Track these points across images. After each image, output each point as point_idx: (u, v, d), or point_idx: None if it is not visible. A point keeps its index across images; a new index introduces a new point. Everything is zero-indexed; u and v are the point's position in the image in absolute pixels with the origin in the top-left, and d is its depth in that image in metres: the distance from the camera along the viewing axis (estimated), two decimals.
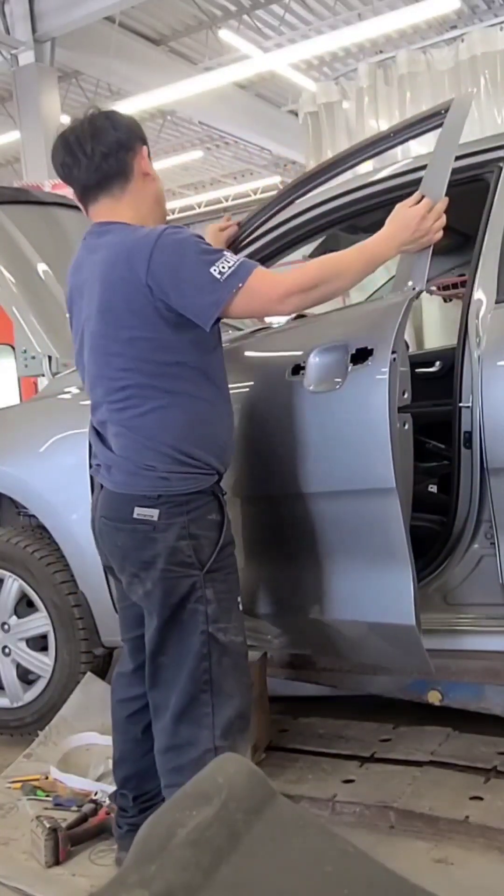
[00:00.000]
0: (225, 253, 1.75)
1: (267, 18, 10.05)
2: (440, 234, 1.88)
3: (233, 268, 1.70)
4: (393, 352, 1.89)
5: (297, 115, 8.21)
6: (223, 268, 1.69)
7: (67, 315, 1.99)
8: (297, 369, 2.07)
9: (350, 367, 1.95)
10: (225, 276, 1.68)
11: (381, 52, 9.02)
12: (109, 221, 1.84)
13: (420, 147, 2.15)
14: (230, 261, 1.71)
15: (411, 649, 1.95)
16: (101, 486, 1.85)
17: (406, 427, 1.99)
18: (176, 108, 11.57)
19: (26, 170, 9.28)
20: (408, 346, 4.19)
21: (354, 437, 1.95)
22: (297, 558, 2.18)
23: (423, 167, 2.30)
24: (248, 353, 2.40)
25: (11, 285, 3.13)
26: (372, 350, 1.92)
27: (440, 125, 2.07)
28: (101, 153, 1.81)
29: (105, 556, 1.89)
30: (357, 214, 2.51)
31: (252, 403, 2.20)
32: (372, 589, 2.01)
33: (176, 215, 18.60)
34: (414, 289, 1.93)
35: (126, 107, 10.21)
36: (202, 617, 1.74)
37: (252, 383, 2.23)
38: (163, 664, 1.78)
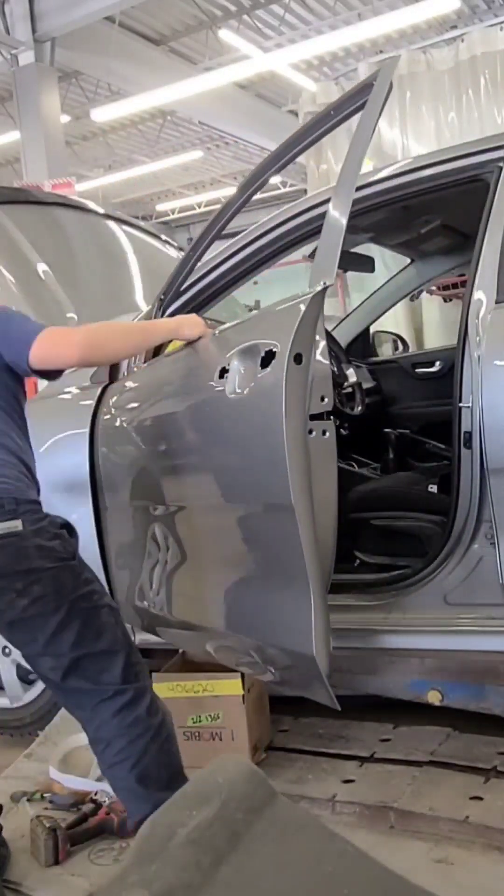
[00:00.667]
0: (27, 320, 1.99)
1: (267, 18, 10.05)
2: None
3: (33, 326, 1.93)
4: (297, 353, 1.74)
5: (297, 115, 8.22)
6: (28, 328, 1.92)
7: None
8: (223, 372, 1.97)
9: (258, 371, 1.82)
10: (26, 333, 1.91)
11: (381, 52, 9.03)
12: None
13: (420, 147, 2.15)
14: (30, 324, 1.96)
15: (311, 679, 1.84)
16: None
17: (326, 435, 1.83)
18: (176, 108, 11.57)
19: (26, 170, 9.29)
20: (406, 346, 4.22)
21: (254, 447, 1.85)
22: (204, 570, 2.18)
23: (423, 167, 2.31)
24: (189, 355, 2.25)
25: (11, 285, 3.14)
26: (275, 352, 1.79)
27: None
28: None
29: None
30: (357, 214, 2.51)
31: (182, 407, 2.17)
32: (272, 611, 1.93)
33: (176, 215, 18.61)
34: (324, 284, 1.82)
35: (126, 107, 10.24)
36: (97, 595, 1.92)
37: (183, 384, 2.19)
38: (78, 656, 1.87)
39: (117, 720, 1.89)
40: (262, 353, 1.82)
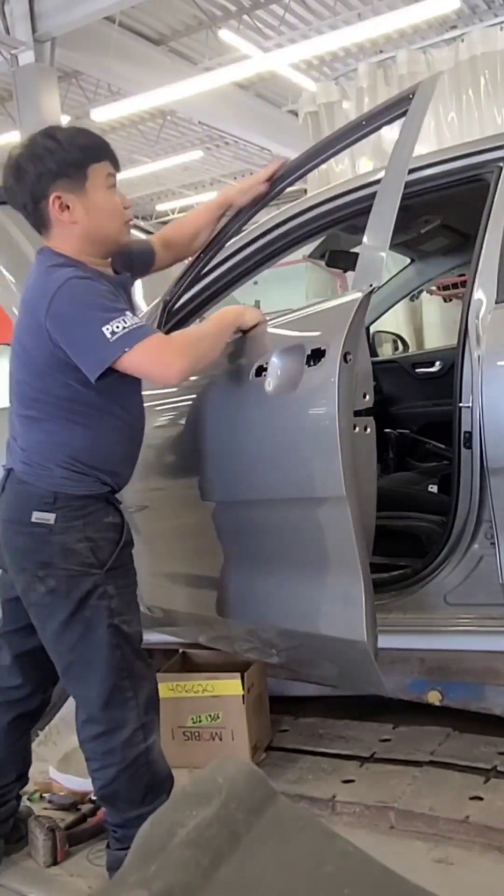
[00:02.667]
0: (126, 314, 1.76)
1: (267, 18, 10.05)
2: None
3: (127, 329, 1.73)
4: (346, 352, 1.82)
5: (297, 115, 8.21)
6: (116, 328, 1.72)
7: None
8: (261, 370, 2.01)
9: (305, 369, 1.89)
10: (116, 336, 1.72)
11: (381, 52, 9.02)
12: (46, 248, 1.91)
13: (420, 146, 2.14)
14: (126, 322, 1.74)
15: (363, 666, 1.88)
16: (3, 489, 1.93)
17: (367, 431, 1.91)
18: (176, 108, 11.57)
19: None
20: (407, 346, 4.22)
21: (306, 443, 1.89)
22: (255, 564, 2.17)
23: (423, 167, 2.31)
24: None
25: (11, 285, 3.13)
26: (325, 350, 1.85)
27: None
28: (17, 206, 1.89)
29: (1, 554, 1.96)
30: (357, 214, 2.51)
31: (218, 404, 2.17)
32: (325, 600, 1.95)
33: (176, 215, 18.62)
34: (371, 285, 1.88)
35: (126, 107, 10.24)
36: (106, 612, 1.84)
37: (219, 383, 2.18)
38: (72, 661, 1.87)
39: (94, 743, 1.89)
40: (308, 352, 1.87)
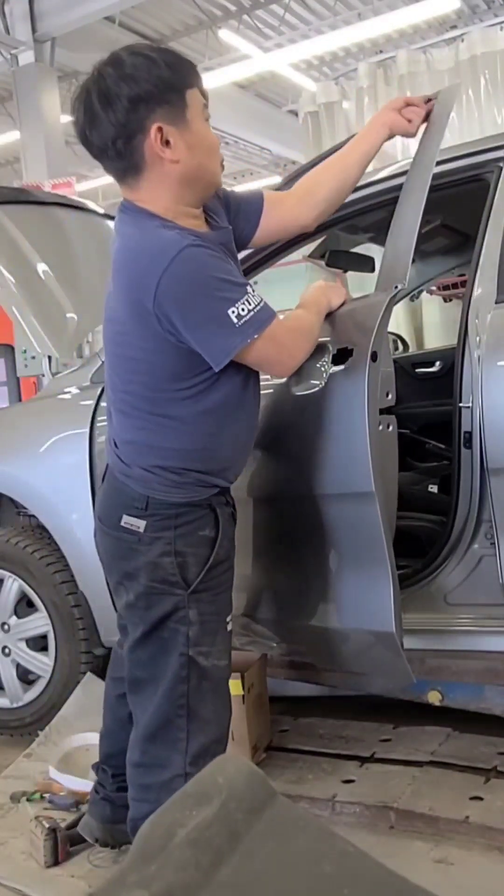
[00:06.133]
0: (248, 289, 1.56)
1: (267, 18, 10.05)
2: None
3: (253, 312, 1.53)
4: (373, 352, 1.84)
5: (297, 115, 8.21)
6: (242, 310, 1.52)
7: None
8: None
9: (331, 368, 1.92)
10: (243, 320, 1.52)
11: (381, 52, 9.03)
12: (127, 202, 1.62)
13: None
14: (251, 302, 1.54)
15: (391, 657, 1.91)
16: (103, 481, 1.79)
17: (390, 429, 1.95)
18: None
19: (26, 170, 9.28)
20: (407, 346, 4.22)
21: (333, 440, 1.91)
22: (281, 561, 2.17)
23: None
24: None
25: (11, 285, 3.13)
26: (352, 350, 1.88)
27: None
28: (95, 145, 1.57)
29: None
30: (357, 214, 2.51)
31: None
32: (352, 595, 1.98)
33: None
34: (396, 287, 1.89)
35: None
36: (183, 638, 1.64)
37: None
38: (140, 679, 1.70)
39: (134, 771, 1.71)
40: (334, 352, 1.89)
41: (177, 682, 1.64)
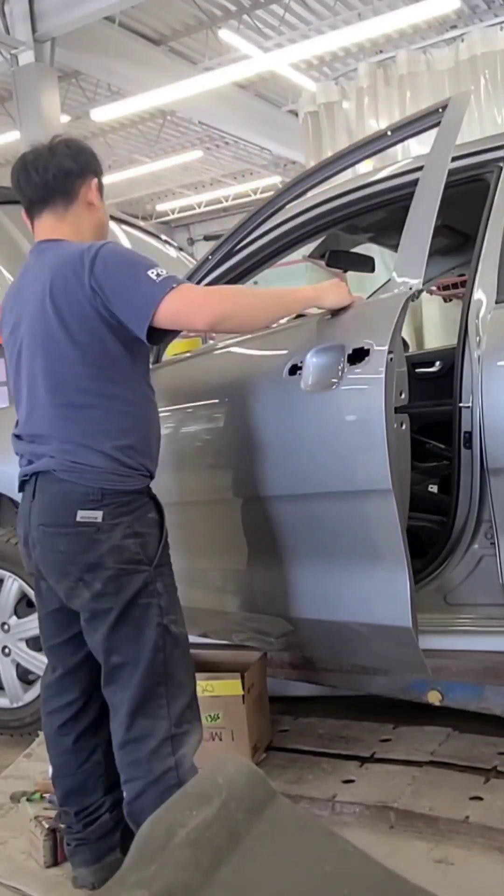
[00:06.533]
0: (158, 264, 1.82)
1: (267, 18, 10.05)
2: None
3: (167, 274, 1.77)
4: (389, 351, 1.87)
5: (297, 115, 8.21)
6: (160, 272, 1.76)
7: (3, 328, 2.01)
8: (294, 369, 2.06)
9: (346, 368, 1.94)
10: (161, 278, 1.75)
11: (381, 52, 9.02)
12: (51, 239, 1.93)
13: (420, 147, 2.14)
14: (163, 270, 1.79)
15: (407, 651, 1.94)
16: (33, 495, 1.83)
17: (403, 427, 1.97)
18: (176, 108, 11.56)
19: None
20: (407, 346, 4.22)
21: (350, 438, 1.94)
22: (296, 558, 2.17)
23: (423, 167, 2.31)
24: (244, 353, 2.39)
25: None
26: (368, 350, 1.91)
27: (437, 124, 2.08)
28: (52, 174, 1.94)
29: (37, 563, 1.87)
30: (357, 214, 2.51)
31: (249, 403, 2.19)
32: (368, 590, 2.00)
33: (176, 215, 18.61)
34: (410, 288, 1.94)
35: (126, 107, 10.23)
36: (156, 610, 1.79)
37: (249, 383, 2.22)
38: (118, 664, 1.79)
39: (121, 753, 1.79)
40: (350, 352, 1.92)
41: (156, 653, 1.78)
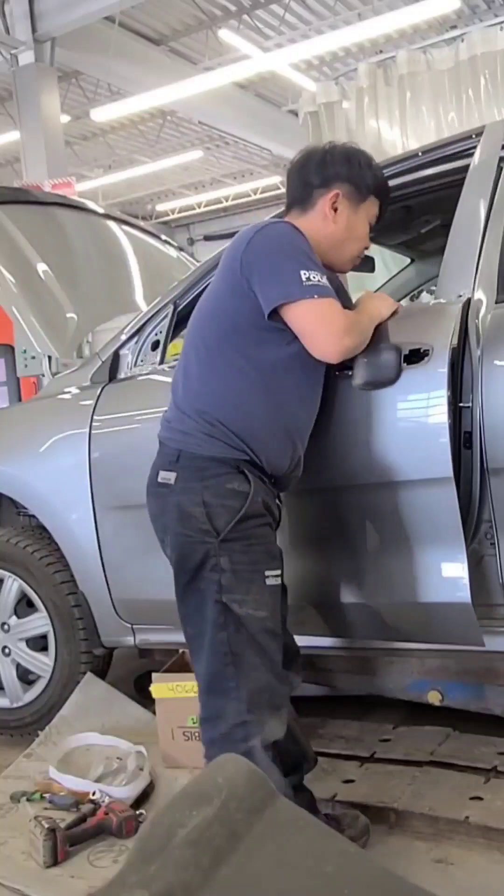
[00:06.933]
0: (323, 271, 1.80)
1: (267, 18, 10.05)
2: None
3: (320, 283, 1.76)
4: (451, 352, 1.99)
5: (297, 115, 8.21)
6: (312, 277, 1.75)
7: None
8: (342, 367, 2.10)
9: (404, 366, 2.02)
10: (310, 283, 1.74)
11: (381, 52, 9.02)
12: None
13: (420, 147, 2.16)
14: (322, 279, 1.77)
15: (466, 625, 2.02)
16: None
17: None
18: (176, 108, 11.57)
19: (26, 170, 9.28)
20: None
21: (414, 431, 2.03)
22: (359, 546, 2.20)
23: (422, 166, 2.32)
24: None
25: (11, 285, 3.13)
26: (428, 350, 2.00)
27: (469, 149, 2.21)
28: (299, 179, 1.96)
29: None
30: None
31: None
32: (430, 571, 2.07)
33: (176, 215, 18.61)
34: (460, 296, 2.06)
35: (126, 107, 10.24)
36: (216, 586, 1.73)
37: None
38: (190, 634, 1.80)
39: (202, 729, 1.78)
40: (406, 352, 2.02)
41: (217, 630, 1.72)
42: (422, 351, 2.00)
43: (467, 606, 1.99)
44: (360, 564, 2.20)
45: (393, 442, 2.06)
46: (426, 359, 1.99)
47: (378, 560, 2.17)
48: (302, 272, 1.74)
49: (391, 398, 2.05)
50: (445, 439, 1.94)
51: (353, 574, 2.21)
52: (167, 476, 1.79)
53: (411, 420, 2.04)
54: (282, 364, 1.83)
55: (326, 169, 1.94)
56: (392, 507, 2.11)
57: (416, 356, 2.01)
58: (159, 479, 1.81)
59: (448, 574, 2.02)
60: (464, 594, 1.99)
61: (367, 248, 2.05)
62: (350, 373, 2.06)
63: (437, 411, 1.97)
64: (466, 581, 1.98)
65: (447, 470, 1.94)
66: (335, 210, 1.93)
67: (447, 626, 2.10)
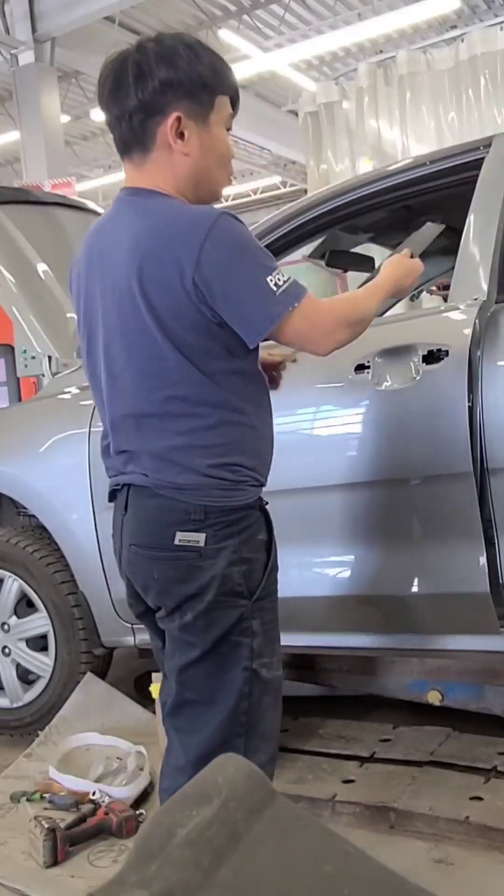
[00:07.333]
0: (276, 264, 1.50)
1: (267, 18, 10.06)
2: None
3: (288, 283, 1.46)
4: (470, 352, 2.02)
5: (297, 115, 8.22)
6: (279, 280, 1.44)
7: (73, 316, 1.81)
8: (361, 368, 2.15)
9: (423, 367, 2.06)
10: (281, 290, 1.44)
11: (381, 52, 9.02)
12: (144, 188, 1.54)
13: (420, 147, 2.15)
14: (283, 275, 1.47)
15: (484, 614, 2.05)
16: (125, 507, 1.56)
17: None
18: None
19: (26, 170, 9.28)
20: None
21: (433, 428, 2.08)
22: (380, 540, 2.23)
23: (421, 165, 2.32)
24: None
25: (11, 285, 3.13)
26: (447, 351, 2.04)
27: (478, 160, 2.23)
28: (120, 111, 1.54)
29: (133, 582, 1.60)
30: (357, 214, 2.51)
31: (317, 400, 2.29)
32: (448, 563, 2.11)
33: None
34: (476, 298, 2.09)
35: None
36: (247, 651, 1.51)
37: (314, 382, 2.28)
38: (189, 700, 1.54)
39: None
40: (424, 353, 2.07)
41: (240, 700, 1.51)
42: (439, 352, 2.05)
43: (486, 596, 2.03)
44: (385, 557, 2.22)
45: (413, 439, 2.12)
46: (444, 359, 2.04)
47: (402, 552, 2.20)
48: (268, 280, 1.44)
49: (412, 398, 2.10)
50: (466, 436, 2.00)
51: (382, 566, 2.23)
52: (192, 537, 1.48)
53: (432, 418, 2.09)
54: (254, 371, 1.57)
55: (147, 87, 1.48)
56: (415, 501, 2.17)
57: (433, 357, 2.06)
58: (178, 542, 1.48)
59: (468, 565, 2.06)
60: (483, 584, 2.04)
61: (233, 157, 1.63)
62: (368, 374, 2.12)
63: (459, 408, 2.01)
64: (486, 572, 2.03)
65: (467, 465, 2.00)
66: (182, 137, 1.51)
67: (465, 615, 2.14)
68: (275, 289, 1.44)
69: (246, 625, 1.51)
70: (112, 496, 1.62)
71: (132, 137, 1.54)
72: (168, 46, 1.51)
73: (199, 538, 1.48)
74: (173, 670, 1.55)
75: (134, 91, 1.50)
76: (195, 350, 1.47)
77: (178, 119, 1.50)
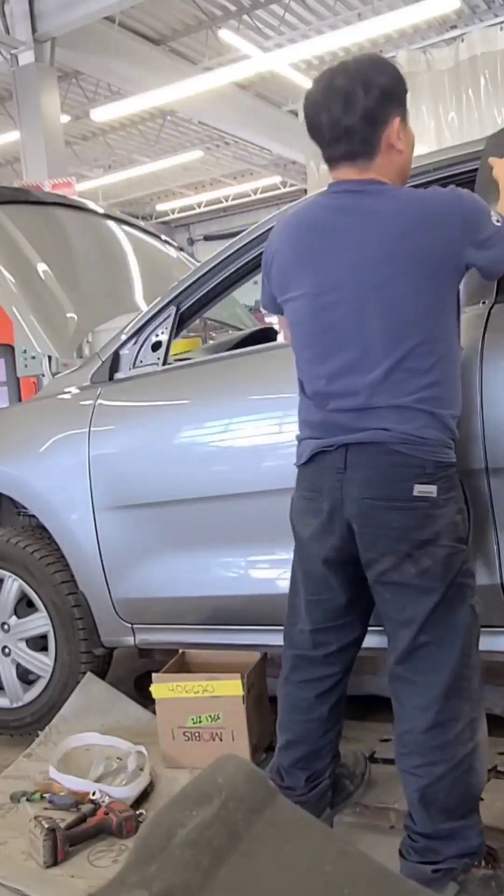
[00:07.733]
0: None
1: (267, 18, 10.05)
2: None
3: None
4: (480, 356, 2.02)
5: (297, 115, 8.22)
6: (497, 220, 1.75)
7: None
8: None
9: None
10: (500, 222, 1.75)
11: (381, 52, 9.02)
12: (378, 180, 1.79)
13: (420, 147, 2.14)
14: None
15: (496, 603, 2.07)
16: (345, 466, 1.75)
17: None
18: (176, 108, 11.57)
19: (26, 170, 9.28)
20: None
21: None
22: None
23: (423, 165, 2.31)
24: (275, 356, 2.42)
25: (11, 285, 3.13)
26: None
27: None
28: (349, 122, 1.76)
29: (362, 534, 1.76)
30: None
31: None
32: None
33: (176, 215, 18.61)
34: (483, 303, 2.08)
35: (126, 107, 10.24)
36: (469, 591, 1.76)
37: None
38: (425, 643, 1.74)
39: (423, 737, 1.74)
40: None
41: (468, 635, 1.76)
42: None
43: (497, 587, 2.06)
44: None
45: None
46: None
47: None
48: (495, 222, 1.74)
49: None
50: (479, 434, 2.01)
51: None
52: (427, 489, 1.70)
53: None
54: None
55: (392, 99, 1.75)
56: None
57: None
58: (416, 493, 1.70)
59: (481, 558, 2.06)
60: (494, 576, 2.06)
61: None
62: None
63: (472, 411, 2.00)
64: (497, 564, 2.04)
65: (479, 461, 2.01)
66: (400, 138, 1.79)
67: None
68: (499, 224, 1.74)
69: (467, 566, 1.77)
70: (311, 457, 1.81)
71: (362, 146, 1.78)
72: (375, 60, 1.80)
73: (433, 489, 1.71)
74: (408, 620, 1.74)
75: (362, 104, 1.73)
76: (437, 300, 1.74)
77: (399, 122, 1.77)
